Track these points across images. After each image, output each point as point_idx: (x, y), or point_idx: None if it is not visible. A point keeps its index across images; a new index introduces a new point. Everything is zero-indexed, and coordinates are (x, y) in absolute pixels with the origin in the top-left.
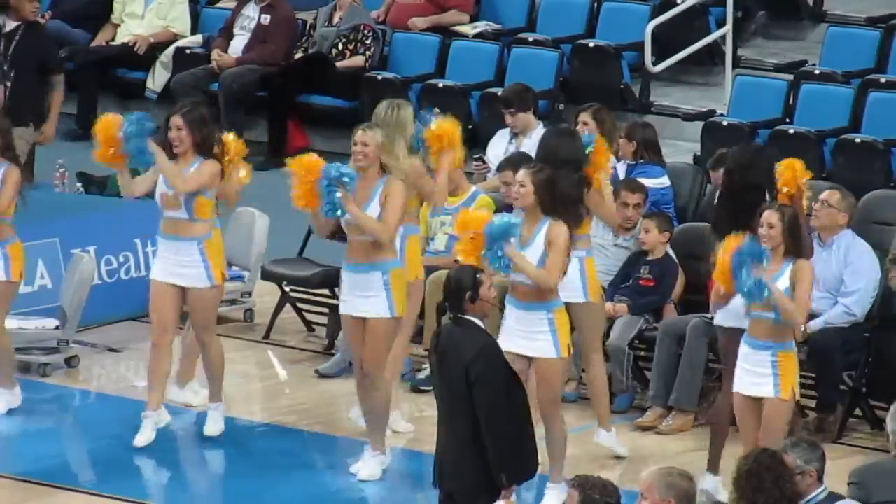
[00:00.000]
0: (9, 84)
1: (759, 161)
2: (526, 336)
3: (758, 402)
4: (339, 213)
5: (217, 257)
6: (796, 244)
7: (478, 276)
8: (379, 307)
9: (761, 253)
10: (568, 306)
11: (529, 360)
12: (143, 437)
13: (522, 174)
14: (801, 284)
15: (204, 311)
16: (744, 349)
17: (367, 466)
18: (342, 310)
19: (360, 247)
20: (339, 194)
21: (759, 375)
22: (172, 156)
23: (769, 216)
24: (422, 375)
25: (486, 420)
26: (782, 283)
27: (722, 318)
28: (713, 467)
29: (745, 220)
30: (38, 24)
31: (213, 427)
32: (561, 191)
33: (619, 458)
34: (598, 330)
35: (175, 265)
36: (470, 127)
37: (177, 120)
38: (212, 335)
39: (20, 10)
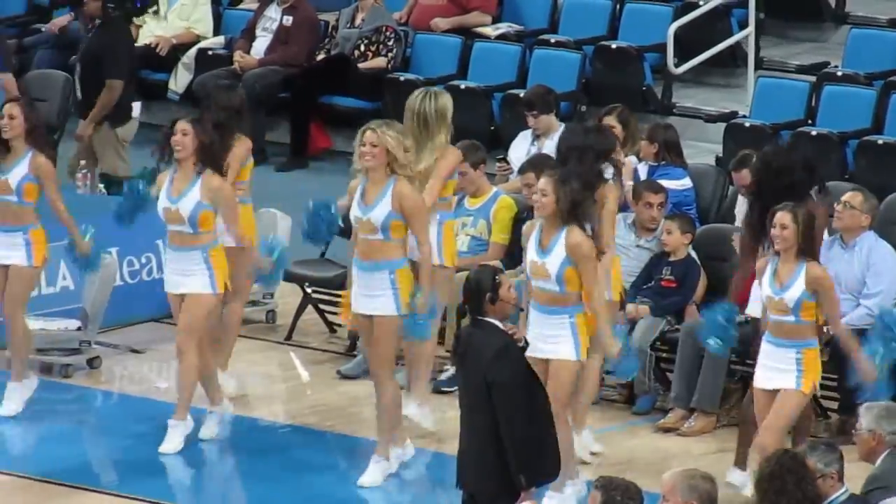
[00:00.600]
0: (78, 80)
1: (790, 161)
2: (545, 339)
3: (776, 394)
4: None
5: (222, 267)
6: (809, 245)
7: (497, 277)
8: (385, 306)
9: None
10: None
11: (547, 363)
12: (171, 445)
13: (544, 182)
14: (829, 298)
15: (193, 318)
16: (766, 347)
17: (369, 472)
18: (353, 307)
19: (368, 245)
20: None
21: (780, 371)
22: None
23: (782, 217)
24: (444, 377)
25: (506, 422)
26: (798, 287)
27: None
28: (741, 462)
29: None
30: (111, 24)
31: (207, 431)
32: (578, 197)
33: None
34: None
35: (180, 274)
36: (492, 128)
37: (183, 125)
38: (192, 343)
39: (88, 9)
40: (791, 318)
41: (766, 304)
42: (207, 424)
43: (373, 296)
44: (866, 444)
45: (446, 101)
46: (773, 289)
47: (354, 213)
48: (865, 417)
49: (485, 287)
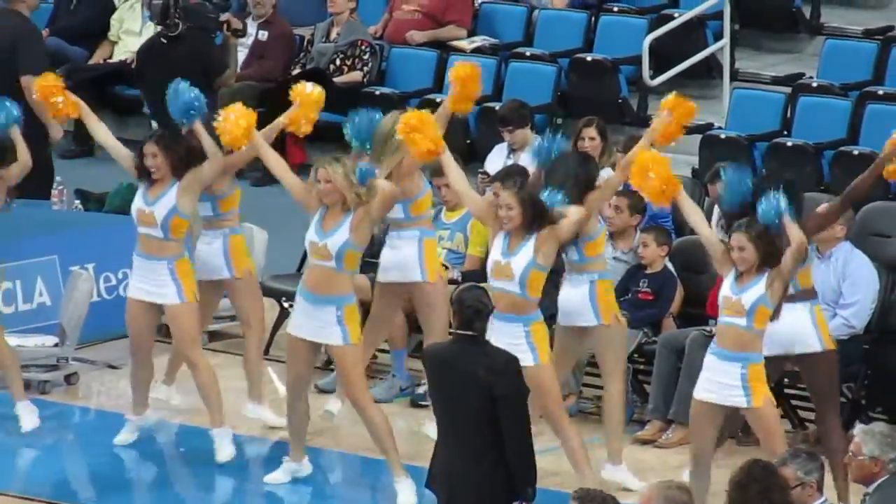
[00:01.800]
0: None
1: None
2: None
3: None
4: None
5: (188, 277)
6: (768, 258)
7: (487, 294)
8: (334, 337)
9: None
10: (582, 330)
11: None
12: (225, 453)
13: (507, 196)
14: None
15: (182, 330)
16: (710, 359)
17: (401, 495)
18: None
19: (320, 274)
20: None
21: (728, 387)
22: (151, 182)
23: (738, 239)
24: (421, 390)
25: (515, 435)
26: (757, 290)
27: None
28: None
29: None
30: (184, 35)
31: (222, 453)
32: (543, 206)
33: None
34: (615, 354)
35: (148, 283)
36: (468, 141)
37: (150, 147)
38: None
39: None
40: (742, 322)
41: (722, 304)
42: (219, 446)
43: (320, 327)
44: (867, 469)
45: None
46: (732, 289)
47: (311, 237)
48: (868, 444)
49: (487, 305)
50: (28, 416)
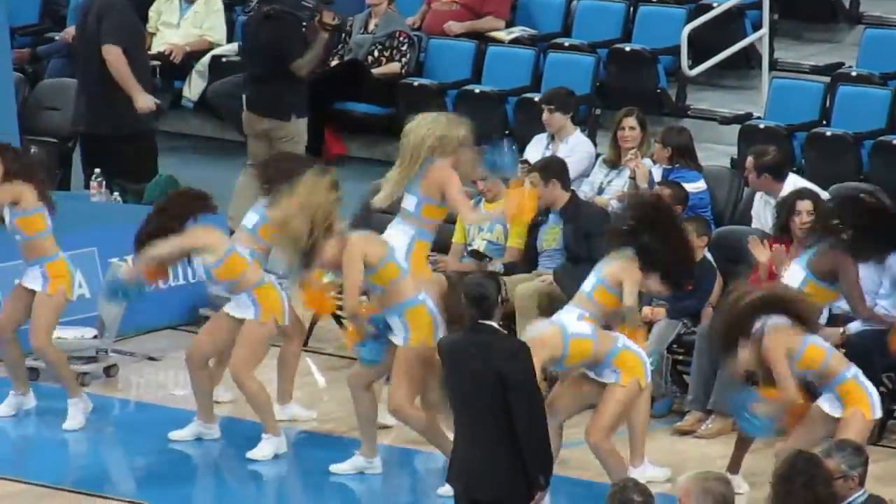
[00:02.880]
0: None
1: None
2: None
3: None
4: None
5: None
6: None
7: (501, 282)
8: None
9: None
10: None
11: None
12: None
13: None
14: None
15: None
16: None
17: (260, 447)
18: None
19: None
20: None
21: None
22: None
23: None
24: None
25: (529, 423)
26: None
27: None
28: None
29: None
30: (271, 15)
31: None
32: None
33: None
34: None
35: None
36: (507, 132)
37: None
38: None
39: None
40: None
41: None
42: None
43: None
44: None
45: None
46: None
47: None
48: None
49: (493, 293)
50: (75, 415)
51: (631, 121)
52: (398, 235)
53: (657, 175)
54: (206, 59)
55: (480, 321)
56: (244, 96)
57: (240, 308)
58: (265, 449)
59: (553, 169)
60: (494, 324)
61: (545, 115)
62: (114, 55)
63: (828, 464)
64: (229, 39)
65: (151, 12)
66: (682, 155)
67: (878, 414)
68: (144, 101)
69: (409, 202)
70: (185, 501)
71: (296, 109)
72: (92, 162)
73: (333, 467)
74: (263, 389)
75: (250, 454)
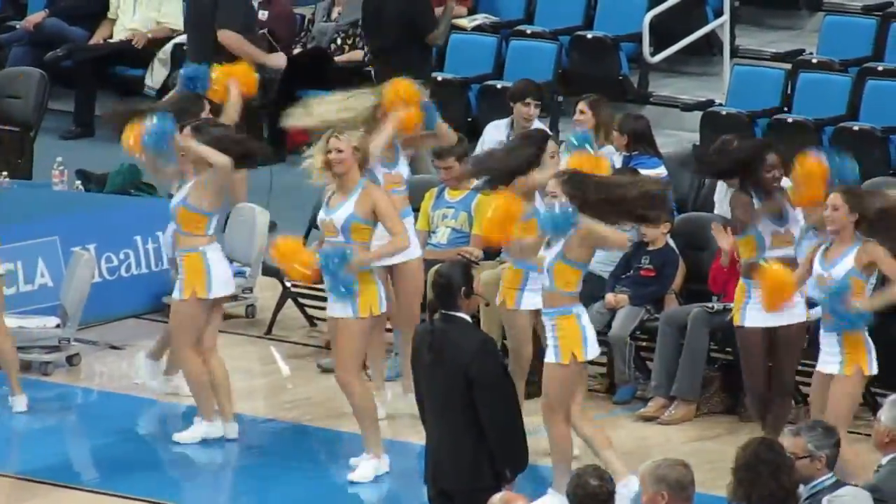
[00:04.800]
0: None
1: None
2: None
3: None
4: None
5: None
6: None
7: (469, 271)
8: (346, 309)
9: None
10: None
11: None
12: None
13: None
14: (884, 261)
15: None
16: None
17: (361, 468)
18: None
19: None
20: (346, 272)
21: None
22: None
23: (833, 198)
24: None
25: (491, 416)
26: (846, 263)
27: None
28: None
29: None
30: None
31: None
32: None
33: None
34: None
35: None
36: (469, 120)
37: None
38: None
39: None
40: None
41: (816, 283)
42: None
43: (336, 299)
44: (880, 437)
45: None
46: (821, 265)
47: (320, 215)
48: (889, 412)
49: (457, 282)
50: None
51: (581, 105)
52: None
53: (617, 162)
54: (169, 46)
55: (449, 312)
56: (372, 70)
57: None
58: (195, 431)
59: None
60: (463, 315)
61: (531, 110)
62: (231, 38)
63: (795, 441)
64: None
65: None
66: (640, 141)
67: (875, 370)
68: (275, 60)
69: None
70: (148, 490)
71: (424, 78)
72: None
73: (352, 476)
74: (202, 372)
75: (177, 436)
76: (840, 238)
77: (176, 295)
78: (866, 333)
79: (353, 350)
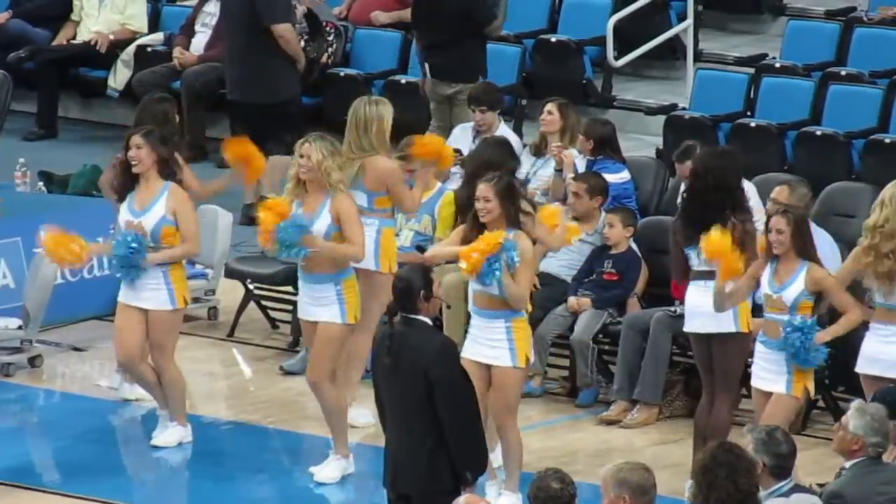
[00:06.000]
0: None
1: (728, 164)
2: (485, 344)
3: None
4: (296, 252)
5: (181, 282)
6: (806, 245)
7: (428, 274)
8: (332, 314)
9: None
10: None
11: (488, 368)
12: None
13: (483, 188)
14: (836, 294)
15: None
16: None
17: (327, 468)
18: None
19: (314, 256)
20: (301, 240)
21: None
22: (133, 177)
23: (777, 221)
24: None
25: (452, 419)
26: (798, 286)
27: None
28: None
29: (710, 220)
30: None
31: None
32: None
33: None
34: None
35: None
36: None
37: (137, 139)
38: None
39: None
40: (786, 317)
41: (764, 302)
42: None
43: (319, 305)
44: (847, 444)
45: (387, 108)
46: (771, 287)
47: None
48: (857, 420)
49: (417, 286)
50: None
51: (550, 106)
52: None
53: (581, 166)
54: (132, 48)
55: (410, 315)
56: (427, 65)
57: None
58: (172, 435)
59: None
60: (424, 318)
61: (478, 116)
62: (288, 31)
63: (744, 442)
64: (154, 29)
65: (75, 1)
66: (604, 146)
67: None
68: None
69: (359, 198)
70: (109, 492)
71: (482, 71)
72: (242, 129)
73: (317, 476)
74: (151, 372)
75: (156, 441)
76: (785, 258)
77: (168, 305)
78: None
79: (331, 354)
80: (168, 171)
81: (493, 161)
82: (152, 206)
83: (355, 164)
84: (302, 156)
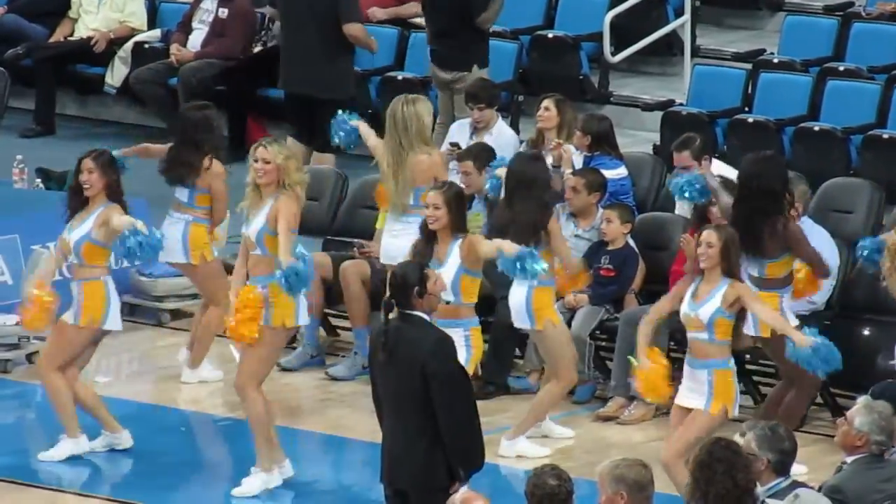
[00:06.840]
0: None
1: (771, 168)
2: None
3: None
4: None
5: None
6: (731, 265)
7: (423, 270)
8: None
9: None
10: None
11: None
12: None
13: (433, 196)
14: (755, 304)
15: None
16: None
17: (248, 482)
18: None
19: (261, 261)
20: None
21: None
22: (84, 200)
23: (708, 235)
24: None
25: (448, 415)
26: (714, 303)
27: None
28: None
29: (758, 225)
30: None
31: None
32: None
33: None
34: (558, 355)
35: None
36: (436, 118)
37: (88, 163)
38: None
39: None
40: (705, 336)
41: (683, 321)
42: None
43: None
44: (851, 439)
45: (425, 106)
46: (690, 306)
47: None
48: (864, 417)
49: (412, 281)
50: None
51: (546, 102)
52: (411, 230)
53: (578, 162)
54: (129, 45)
55: (407, 311)
56: (430, 50)
57: None
58: (62, 449)
59: (485, 158)
60: (421, 314)
61: (476, 113)
62: (360, 31)
63: (743, 441)
64: (152, 25)
65: None
66: (601, 142)
67: (737, 413)
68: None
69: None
70: (107, 488)
71: (478, 61)
72: (301, 124)
73: (235, 490)
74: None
75: (43, 455)
76: (709, 276)
77: (70, 320)
78: (735, 377)
79: (259, 359)
80: (117, 194)
81: (530, 176)
82: (81, 224)
83: (403, 164)
84: (257, 160)
